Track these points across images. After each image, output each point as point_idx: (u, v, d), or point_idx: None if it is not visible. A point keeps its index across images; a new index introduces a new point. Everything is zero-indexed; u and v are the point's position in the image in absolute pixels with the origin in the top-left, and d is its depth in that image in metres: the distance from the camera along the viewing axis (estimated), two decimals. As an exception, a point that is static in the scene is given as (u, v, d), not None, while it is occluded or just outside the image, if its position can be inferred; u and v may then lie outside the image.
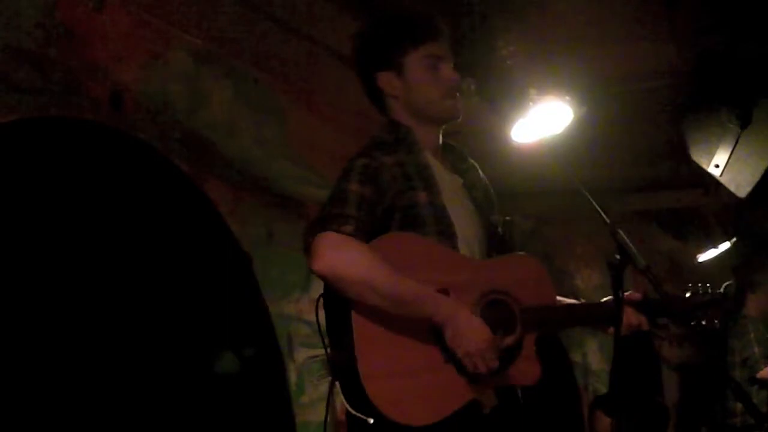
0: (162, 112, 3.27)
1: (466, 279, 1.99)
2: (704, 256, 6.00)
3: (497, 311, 2.00)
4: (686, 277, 6.89)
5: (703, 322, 2.21)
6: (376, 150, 2.05)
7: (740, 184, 3.50)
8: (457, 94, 2.16)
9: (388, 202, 1.98)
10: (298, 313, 3.88)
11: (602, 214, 2.03)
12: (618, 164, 4.97)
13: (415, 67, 2.13)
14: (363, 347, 1.84)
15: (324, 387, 3.36)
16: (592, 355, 6.64)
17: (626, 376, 2.20)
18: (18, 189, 2.68)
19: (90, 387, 2.78)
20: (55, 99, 2.86)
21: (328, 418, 2.05)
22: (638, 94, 4.06)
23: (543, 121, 3.27)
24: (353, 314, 1.86)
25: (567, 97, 3.24)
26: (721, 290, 2.23)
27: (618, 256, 1.94)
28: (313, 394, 3.87)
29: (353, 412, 1.84)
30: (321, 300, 1.95)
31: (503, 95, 3.18)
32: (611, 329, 2.22)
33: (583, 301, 2.34)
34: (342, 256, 1.87)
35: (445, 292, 1.94)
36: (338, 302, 1.89)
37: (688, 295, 2.23)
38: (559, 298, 2.21)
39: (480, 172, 2.26)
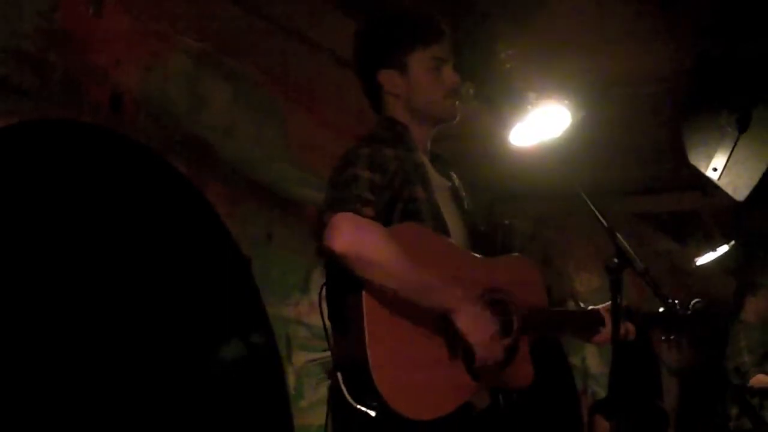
0: (162, 115, 3.27)
1: (471, 275, 2.00)
2: (702, 260, 5.99)
3: (496, 310, 2.00)
4: (685, 280, 6.90)
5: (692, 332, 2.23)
6: (376, 143, 2.05)
7: (738, 188, 3.49)
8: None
9: (393, 191, 1.97)
10: (297, 315, 3.87)
11: (600, 217, 2.03)
12: (617, 166, 4.95)
13: (419, 67, 2.13)
14: (373, 335, 1.80)
15: (323, 390, 3.35)
16: (592, 359, 6.63)
17: (626, 379, 2.19)
18: (18, 192, 2.68)
19: (90, 391, 2.78)
20: (55, 102, 2.86)
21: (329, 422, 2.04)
22: (637, 96, 4.06)
23: (542, 124, 3.27)
24: (364, 301, 1.82)
25: (566, 101, 3.24)
26: (693, 306, 2.23)
27: (616, 260, 1.95)
28: (312, 398, 3.86)
29: (356, 405, 1.82)
30: (323, 290, 1.94)
31: (502, 98, 3.19)
32: (596, 338, 2.24)
33: (582, 304, 2.34)
34: (365, 237, 1.84)
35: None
36: (348, 289, 1.85)
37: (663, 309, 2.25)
38: None
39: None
